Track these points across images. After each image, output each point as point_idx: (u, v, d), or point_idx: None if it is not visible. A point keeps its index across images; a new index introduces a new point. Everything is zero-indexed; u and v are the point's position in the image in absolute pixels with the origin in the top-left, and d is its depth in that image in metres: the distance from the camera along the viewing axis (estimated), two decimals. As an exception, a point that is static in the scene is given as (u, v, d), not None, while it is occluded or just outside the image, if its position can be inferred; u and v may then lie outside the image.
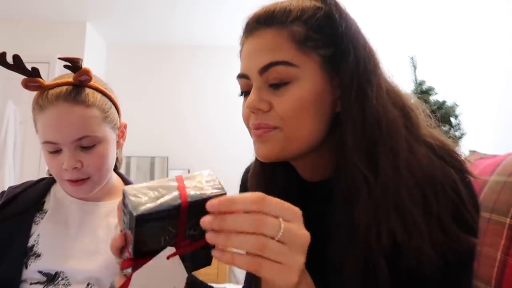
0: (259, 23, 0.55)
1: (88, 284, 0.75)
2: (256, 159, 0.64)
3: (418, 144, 0.53)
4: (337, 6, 0.55)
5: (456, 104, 2.15)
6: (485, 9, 2.76)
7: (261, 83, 0.54)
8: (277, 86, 0.53)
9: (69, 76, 0.77)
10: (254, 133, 0.56)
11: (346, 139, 0.52)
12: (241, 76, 0.57)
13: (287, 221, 0.38)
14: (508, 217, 0.76)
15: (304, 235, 0.40)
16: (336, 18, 0.53)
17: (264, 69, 0.53)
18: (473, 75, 2.78)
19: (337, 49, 0.53)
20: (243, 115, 0.59)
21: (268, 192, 0.58)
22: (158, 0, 3.02)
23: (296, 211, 0.40)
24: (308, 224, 0.47)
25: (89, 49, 3.35)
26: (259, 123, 0.54)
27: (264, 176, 0.63)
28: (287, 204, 0.40)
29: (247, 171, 0.75)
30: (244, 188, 0.74)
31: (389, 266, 0.48)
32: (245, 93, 0.58)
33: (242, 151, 4.18)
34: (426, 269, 0.47)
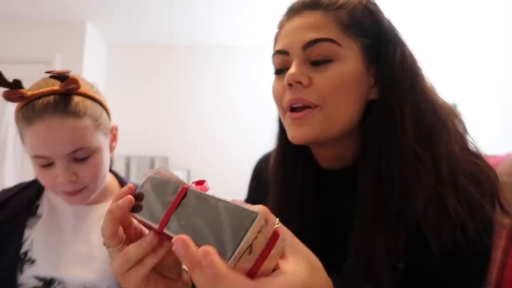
0: (305, 7, 0.57)
1: None
2: (277, 150, 0.65)
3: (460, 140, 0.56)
4: (376, 5, 0.59)
5: (456, 104, 2.15)
6: (485, 9, 2.76)
7: (303, 59, 0.55)
8: (319, 63, 0.54)
9: (53, 83, 0.71)
10: (292, 116, 0.55)
11: (384, 127, 0.54)
12: (280, 52, 0.58)
13: None
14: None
15: None
16: (377, 15, 0.57)
17: (309, 44, 0.54)
18: (473, 75, 2.78)
19: (377, 42, 0.56)
20: (274, 93, 0.59)
21: (286, 183, 0.63)
22: (158, 0, 3.02)
23: None
24: (325, 213, 0.55)
25: (89, 49, 3.34)
26: (297, 98, 0.54)
27: (284, 168, 0.63)
28: None
29: (260, 161, 0.74)
30: (257, 177, 0.73)
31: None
32: (280, 70, 0.58)
33: (242, 151, 4.18)
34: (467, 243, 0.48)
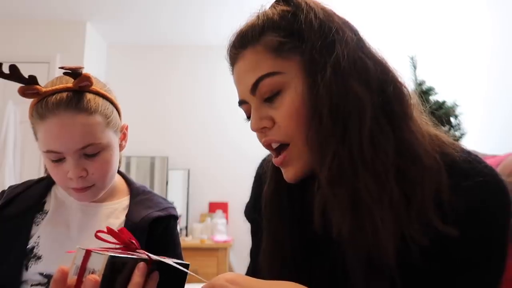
0: (236, 49, 0.57)
1: None
2: (271, 176, 0.64)
3: (406, 121, 0.51)
4: (300, 4, 0.54)
5: (456, 104, 2.15)
6: (485, 9, 2.76)
7: (257, 102, 0.55)
8: (271, 98, 0.54)
9: (67, 80, 0.74)
10: (275, 162, 0.57)
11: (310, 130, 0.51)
12: (240, 103, 0.59)
13: None
14: (508, 217, 0.76)
15: None
16: (300, 15, 0.53)
17: (254, 88, 0.54)
18: (473, 75, 2.78)
19: (314, 42, 0.52)
20: (258, 138, 0.60)
21: (283, 209, 0.60)
22: (158, 0, 3.02)
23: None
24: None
25: (89, 49, 3.35)
26: (267, 140, 0.55)
27: (280, 193, 0.62)
28: None
29: (262, 163, 0.74)
30: (259, 181, 0.72)
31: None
32: (250, 117, 0.59)
33: (242, 151, 4.15)
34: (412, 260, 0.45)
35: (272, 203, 0.62)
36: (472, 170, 0.49)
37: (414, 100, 0.55)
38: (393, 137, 0.49)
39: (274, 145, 0.56)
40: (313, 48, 0.52)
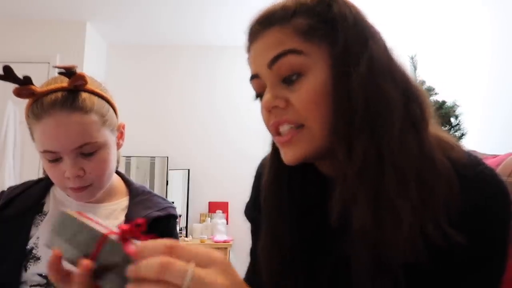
0: (260, 25, 0.55)
1: None
2: (270, 167, 0.63)
3: (424, 126, 0.52)
4: None
5: (456, 104, 2.15)
6: (485, 9, 2.76)
7: (274, 79, 0.53)
8: (291, 80, 0.52)
9: (62, 80, 0.73)
10: (279, 140, 0.54)
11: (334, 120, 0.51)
12: (253, 77, 0.57)
13: (202, 267, 0.35)
14: (508, 217, 0.76)
15: (220, 284, 0.35)
16: (334, 6, 0.53)
17: (273, 62, 0.52)
18: (473, 75, 2.78)
19: (344, 37, 0.52)
20: (263, 118, 0.58)
21: (282, 198, 0.59)
22: (158, 0, 3.02)
23: (214, 256, 0.37)
24: (326, 221, 0.51)
25: (89, 49, 3.35)
26: (278, 121, 0.53)
27: (279, 185, 0.61)
28: (203, 250, 0.37)
29: (261, 163, 0.73)
30: (259, 180, 0.71)
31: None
32: (260, 95, 0.57)
33: (242, 151, 4.14)
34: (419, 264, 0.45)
35: (271, 193, 0.61)
36: (472, 172, 0.50)
37: (430, 105, 0.56)
38: (417, 138, 0.50)
39: (282, 127, 0.54)
40: (346, 40, 0.51)
